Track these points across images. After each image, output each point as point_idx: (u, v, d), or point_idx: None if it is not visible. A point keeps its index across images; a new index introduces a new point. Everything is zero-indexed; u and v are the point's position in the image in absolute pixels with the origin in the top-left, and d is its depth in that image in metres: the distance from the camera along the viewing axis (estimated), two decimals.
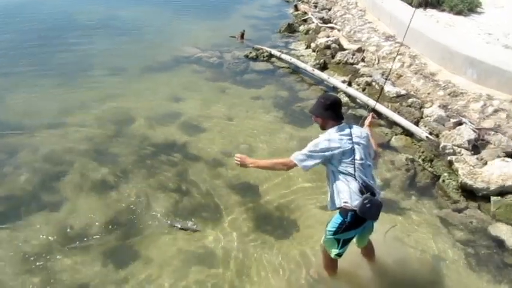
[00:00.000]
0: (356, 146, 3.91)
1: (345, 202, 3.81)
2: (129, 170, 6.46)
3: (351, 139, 3.92)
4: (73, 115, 7.87)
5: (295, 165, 3.96)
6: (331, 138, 3.88)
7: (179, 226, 5.32)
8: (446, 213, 5.70)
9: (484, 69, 7.87)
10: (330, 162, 3.91)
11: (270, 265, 4.88)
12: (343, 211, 3.85)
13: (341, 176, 3.86)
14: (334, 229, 3.94)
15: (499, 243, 5.21)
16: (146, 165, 6.59)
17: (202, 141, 7.27)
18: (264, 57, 10.87)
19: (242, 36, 12.31)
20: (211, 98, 8.89)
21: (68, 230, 5.30)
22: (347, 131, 3.97)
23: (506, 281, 4.79)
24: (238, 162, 4.36)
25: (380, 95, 6.24)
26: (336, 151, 3.83)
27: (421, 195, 6.10)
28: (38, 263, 4.80)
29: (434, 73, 8.63)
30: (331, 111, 4.00)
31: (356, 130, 4.05)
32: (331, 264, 4.36)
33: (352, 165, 3.85)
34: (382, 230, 4.97)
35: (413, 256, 5.09)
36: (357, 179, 3.83)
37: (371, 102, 8.07)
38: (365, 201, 3.72)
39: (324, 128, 4.09)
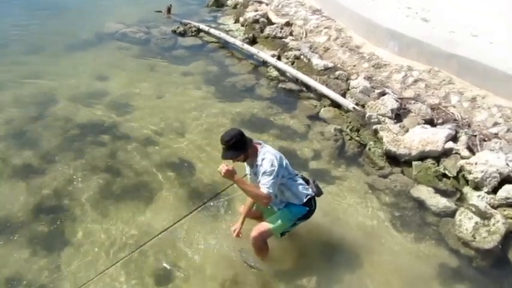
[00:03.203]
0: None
1: (306, 196, 4.28)
2: (54, 153, 6.16)
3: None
4: None
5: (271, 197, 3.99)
6: (274, 154, 4.09)
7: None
8: (373, 179, 6.01)
9: (404, 42, 8.26)
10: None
11: (205, 241, 4.90)
12: (307, 202, 4.29)
13: (290, 181, 4.24)
14: (298, 216, 4.33)
15: (420, 203, 5.58)
16: (73, 148, 6.31)
17: (131, 120, 7.06)
18: (192, 32, 10.62)
19: (169, 10, 11.91)
20: (139, 75, 8.62)
21: None
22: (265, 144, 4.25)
23: (427, 237, 5.18)
24: (224, 172, 3.87)
25: None
26: (284, 162, 4.17)
27: (350, 163, 6.36)
28: None
29: (359, 46, 8.92)
30: (243, 142, 4.07)
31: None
32: (266, 248, 4.49)
33: (290, 167, 4.30)
34: None
35: (344, 220, 5.34)
36: (297, 175, 4.38)
37: (300, 75, 8.21)
38: (316, 184, 4.46)
39: (247, 158, 4.16)
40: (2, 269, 4.47)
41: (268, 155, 4.04)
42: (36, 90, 7.71)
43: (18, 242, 4.78)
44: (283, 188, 4.21)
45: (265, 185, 3.93)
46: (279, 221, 4.32)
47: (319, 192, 4.47)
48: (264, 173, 3.97)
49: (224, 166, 3.90)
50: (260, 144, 4.20)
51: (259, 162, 4.05)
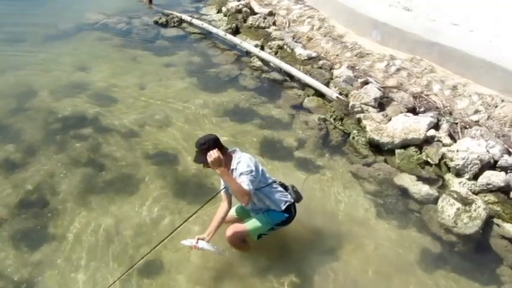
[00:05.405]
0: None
1: (285, 203, 4.29)
2: (36, 147, 6.08)
3: None
4: None
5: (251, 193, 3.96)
6: (250, 157, 4.13)
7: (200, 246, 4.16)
8: (357, 167, 6.04)
9: (387, 31, 8.30)
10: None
11: (190, 234, 4.86)
12: (286, 209, 4.30)
13: (269, 188, 4.25)
14: (277, 222, 4.33)
15: (403, 191, 5.63)
16: (55, 141, 6.23)
17: (114, 112, 6.99)
18: (174, 22, 10.52)
19: (150, 0, 11.80)
20: (122, 66, 8.52)
21: None
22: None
23: (410, 224, 5.24)
24: (213, 157, 3.84)
25: None
26: (260, 167, 4.19)
27: (334, 152, 6.38)
28: None
29: (342, 35, 8.94)
30: (220, 145, 4.04)
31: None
32: (245, 246, 4.57)
33: (267, 174, 4.33)
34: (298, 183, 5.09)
35: (328, 209, 5.37)
36: (275, 181, 4.37)
37: (284, 65, 8.20)
38: (295, 190, 4.49)
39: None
40: None
41: (243, 158, 4.07)
42: (16, 82, 7.58)
43: (0, 238, 4.70)
44: (261, 196, 4.22)
45: (244, 182, 3.90)
46: (257, 223, 4.32)
47: (298, 198, 4.47)
48: (241, 173, 3.96)
49: (215, 152, 3.87)
50: (235, 151, 4.20)
51: (234, 166, 4.05)
